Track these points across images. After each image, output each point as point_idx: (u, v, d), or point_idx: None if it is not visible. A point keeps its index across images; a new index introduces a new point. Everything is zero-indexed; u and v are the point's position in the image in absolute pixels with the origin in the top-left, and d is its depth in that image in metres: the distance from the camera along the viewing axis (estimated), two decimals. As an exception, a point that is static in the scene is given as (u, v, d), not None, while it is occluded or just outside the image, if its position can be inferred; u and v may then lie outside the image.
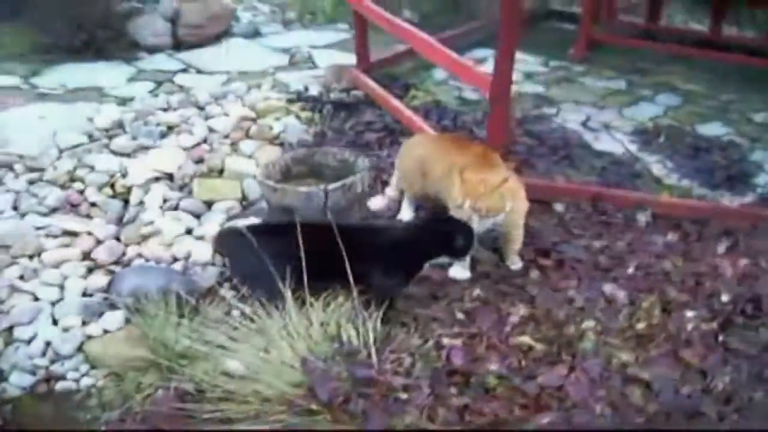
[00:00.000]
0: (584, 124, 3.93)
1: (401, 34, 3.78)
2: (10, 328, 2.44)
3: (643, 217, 3.06)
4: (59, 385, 2.33)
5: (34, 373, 2.34)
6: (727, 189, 3.35)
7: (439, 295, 2.56)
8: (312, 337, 2.15)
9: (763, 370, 2.24)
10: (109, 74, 4.33)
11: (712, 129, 3.94)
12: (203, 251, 2.68)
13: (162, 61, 4.60)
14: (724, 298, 2.55)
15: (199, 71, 4.50)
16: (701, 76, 4.63)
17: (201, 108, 3.77)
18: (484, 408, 2.02)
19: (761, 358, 2.28)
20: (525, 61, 4.80)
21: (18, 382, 2.30)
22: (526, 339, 2.29)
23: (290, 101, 3.92)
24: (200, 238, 2.78)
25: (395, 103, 3.84)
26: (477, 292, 2.55)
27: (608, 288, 2.56)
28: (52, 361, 2.37)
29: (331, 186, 2.56)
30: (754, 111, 4.17)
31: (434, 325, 2.37)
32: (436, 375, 2.09)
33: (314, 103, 3.92)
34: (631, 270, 2.68)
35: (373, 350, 2.12)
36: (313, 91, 4.09)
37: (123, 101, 3.94)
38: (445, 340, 2.27)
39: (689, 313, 2.45)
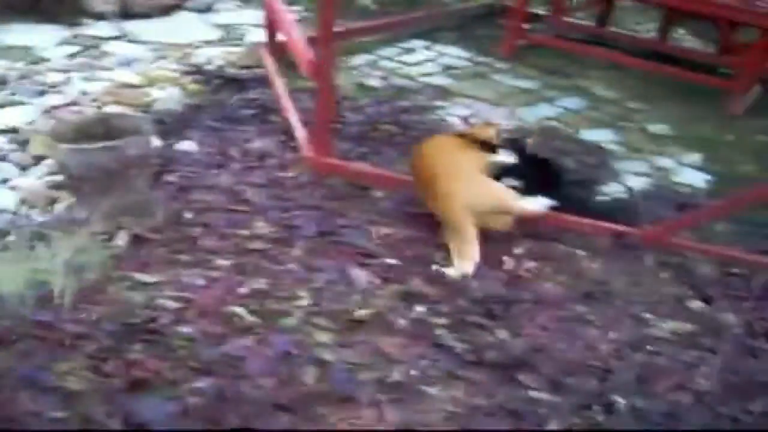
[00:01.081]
0: (465, 119, 3.92)
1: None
2: None
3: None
4: None
5: None
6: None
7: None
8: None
9: (457, 368, 2.26)
10: (43, 36, 4.60)
11: (597, 135, 3.87)
12: (6, 199, 2.89)
13: (101, 28, 4.83)
14: (477, 295, 2.56)
15: (130, 41, 4.72)
16: (625, 84, 4.53)
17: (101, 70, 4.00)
18: (152, 365, 2.13)
19: (463, 357, 2.30)
20: (451, 55, 4.82)
21: None
22: (237, 309, 2.38)
23: (186, 73, 4.09)
24: (12, 188, 2.99)
25: (277, 83, 3.94)
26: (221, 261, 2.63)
27: (356, 272, 2.61)
28: None
29: (94, 146, 2.64)
30: (654, 122, 4.08)
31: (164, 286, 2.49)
32: (122, 330, 2.22)
33: (207, 76, 4.07)
34: (393, 260, 2.71)
35: (68, 299, 2.27)
36: (215, 65, 4.23)
37: (37, 61, 4.20)
38: (162, 302, 2.39)
39: (419, 307, 2.48)
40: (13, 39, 4.53)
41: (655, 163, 3.67)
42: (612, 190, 3.37)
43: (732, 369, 2.37)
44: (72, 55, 4.37)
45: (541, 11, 5.27)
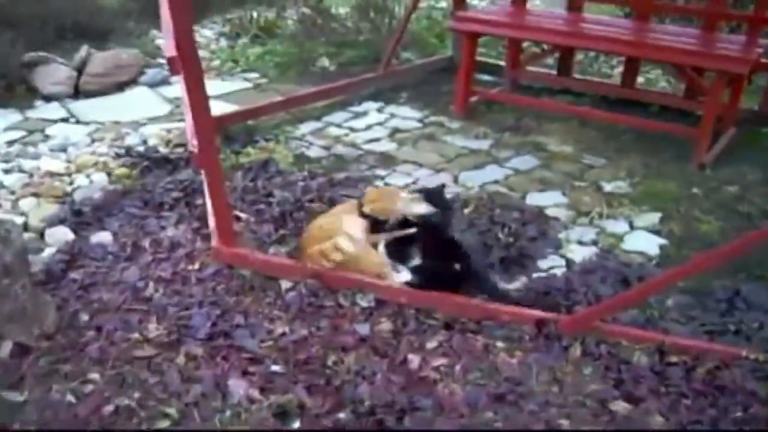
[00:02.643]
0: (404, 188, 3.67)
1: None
2: None
3: (364, 302, 2.80)
4: None
5: None
6: (496, 273, 3.01)
7: None
8: None
9: None
10: (-4, 121, 4.54)
11: (545, 198, 3.59)
12: None
13: (51, 110, 4.77)
14: (367, 404, 2.29)
15: (78, 121, 4.63)
16: (584, 137, 4.26)
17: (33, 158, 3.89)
18: None
19: None
20: (402, 116, 4.61)
21: None
22: None
23: (117, 156, 3.95)
24: None
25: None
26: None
27: (234, 383, 2.37)
28: None
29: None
30: (610, 179, 3.77)
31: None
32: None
33: (137, 159, 3.92)
34: (278, 367, 2.45)
35: None
36: (150, 145, 4.09)
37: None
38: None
39: (295, 424, 2.22)
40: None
41: (604, 228, 3.36)
42: (549, 265, 3.07)
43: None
44: (11, 142, 4.28)
45: (500, 62, 5.04)
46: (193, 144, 2.85)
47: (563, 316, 2.64)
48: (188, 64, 2.61)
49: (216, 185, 2.85)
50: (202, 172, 3.60)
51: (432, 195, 3.01)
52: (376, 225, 2.93)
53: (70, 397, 2.35)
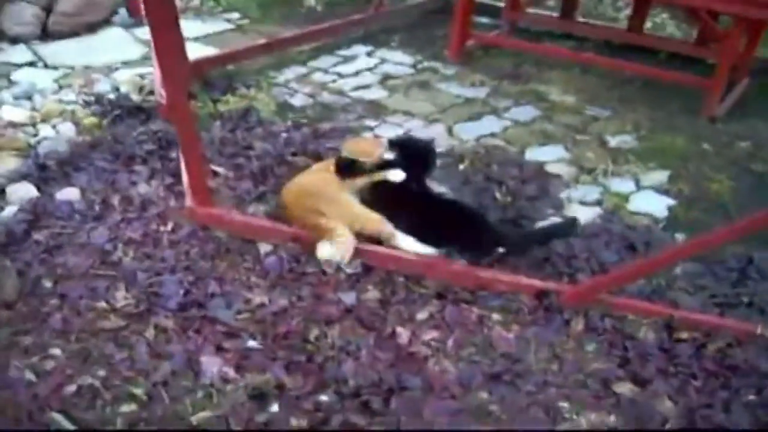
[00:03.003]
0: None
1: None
2: None
3: (349, 269, 2.59)
4: None
5: None
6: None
7: None
8: None
9: None
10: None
11: (546, 153, 3.36)
12: None
13: (16, 53, 4.43)
14: (351, 384, 2.10)
15: (45, 65, 4.31)
16: (587, 85, 4.00)
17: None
18: None
19: None
20: (393, 61, 4.32)
21: None
22: (56, 415, 2.03)
23: (86, 104, 3.67)
24: None
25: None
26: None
27: (207, 360, 2.18)
28: None
29: None
30: (615, 132, 3.54)
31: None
32: None
33: (108, 107, 3.64)
34: (256, 342, 2.26)
35: None
36: (122, 92, 3.80)
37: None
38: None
39: (273, 407, 2.03)
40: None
41: (609, 186, 3.13)
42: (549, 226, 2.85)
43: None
44: (-25, 88, 3.98)
45: (499, 3, 4.72)
46: (161, 94, 2.59)
47: (566, 286, 2.44)
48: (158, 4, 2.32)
49: (188, 141, 2.59)
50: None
51: (409, 145, 2.87)
52: (353, 168, 2.75)
53: (30, 375, 2.16)
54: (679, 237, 2.82)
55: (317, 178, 2.79)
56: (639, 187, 3.15)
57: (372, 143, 2.94)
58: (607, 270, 2.57)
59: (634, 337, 2.31)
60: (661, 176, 3.22)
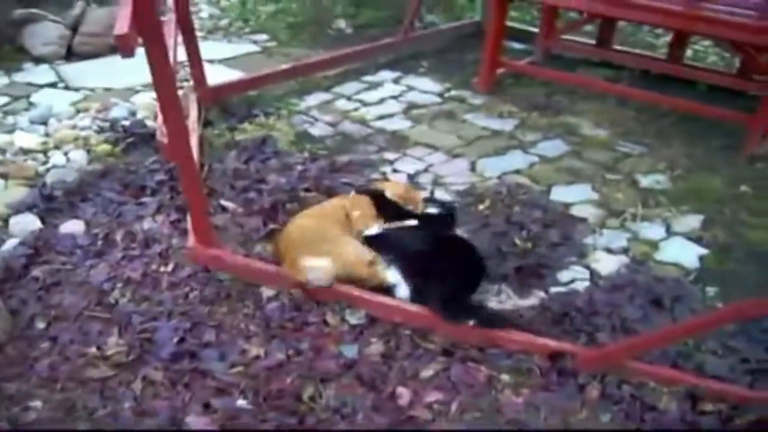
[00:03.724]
0: (411, 177, 3.28)
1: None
2: None
3: (354, 319, 2.45)
4: None
5: None
6: (509, 285, 2.62)
7: None
8: None
9: None
10: (-21, 85, 4.22)
11: (569, 193, 3.17)
12: None
13: (39, 74, 4.42)
14: None
15: (66, 87, 4.28)
16: (621, 118, 3.79)
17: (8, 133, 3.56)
18: None
19: None
20: (420, 89, 4.18)
21: None
22: None
23: (100, 130, 3.61)
24: None
25: (194, 140, 3.40)
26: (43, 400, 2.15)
27: (192, 421, 2.04)
28: None
29: None
30: (648, 171, 3.33)
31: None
32: None
33: (122, 133, 3.57)
34: (245, 402, 2.12)
35: None
36: (138, 118, 3.74)
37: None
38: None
39: None
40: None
41: (637, 232, 2.93)
42: (570, 277, 2.67)
43: None
44: (-5, 110, 3.97)
45: (533, 28, 4.54)
46: (163, 131, 2.49)
47: (582, 349, 2.25)
48: (152, 41, 2.21)
49: (191, 182, 2.47)
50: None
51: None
52: (392, 210, 2.74)
53: (7, 427, 2.07)
54: (710, 290, 2.61)
55: (317, 225, 2.67)
56: (669, 233, 2.94)
57: (417, 192, 2.90)
58: (629, 328, 2.38)
59: (654, 407, 2.11)
60: (694, 221, 3.00)
